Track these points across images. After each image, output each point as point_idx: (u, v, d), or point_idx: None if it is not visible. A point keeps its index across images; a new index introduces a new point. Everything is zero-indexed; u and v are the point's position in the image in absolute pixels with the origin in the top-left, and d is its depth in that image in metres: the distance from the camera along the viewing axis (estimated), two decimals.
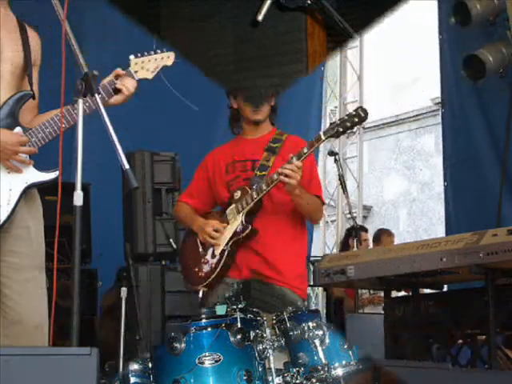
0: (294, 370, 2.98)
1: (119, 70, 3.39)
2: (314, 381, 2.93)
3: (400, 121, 16.92)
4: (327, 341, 3.04)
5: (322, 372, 2.94)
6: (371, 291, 7.27)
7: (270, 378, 2.94)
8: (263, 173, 3.92)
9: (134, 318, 5.48)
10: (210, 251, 3.96)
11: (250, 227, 3.88)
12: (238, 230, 3.90)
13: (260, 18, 4.75)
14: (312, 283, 5.69)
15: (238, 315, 2.99)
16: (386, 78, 16.55)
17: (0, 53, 3.30)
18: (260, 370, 2.95)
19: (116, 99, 3.37)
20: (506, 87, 7.92)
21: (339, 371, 2.99)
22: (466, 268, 4.79)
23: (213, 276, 3.91)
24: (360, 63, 10.15)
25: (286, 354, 3.11)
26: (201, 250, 3.99)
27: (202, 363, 2.88)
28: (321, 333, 3.05)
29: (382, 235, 8.05)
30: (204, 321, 3.04)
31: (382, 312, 5.90)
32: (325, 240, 10.28)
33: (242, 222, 3.90)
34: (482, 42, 7.93)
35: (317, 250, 10.64)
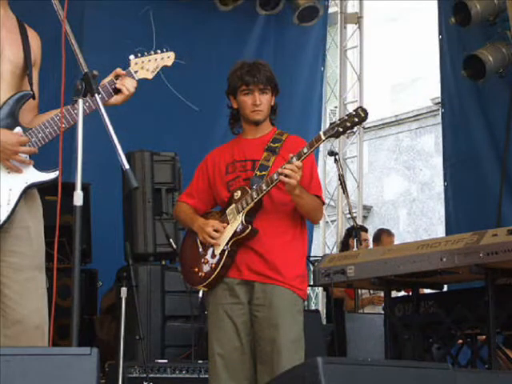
0: None
1: (119, 70, 3.39)
2: None
3: (400, 121, 16.90)
4: None
5: None
6: (371, 291, 7.27)
7: None
8: (263, 173, 3.92)
9: (134, 318, 5.48)
10: (209, 251, 3.96)
11: (250, 227, 3.88)
12: (237, 229, 3.90)
13: None
14: (312, 283, 5.69)
15: None
16: (385, 78, 16.55)
17: (0, 53, 3.30)
18: None
19: (116, 99, 3.37)
20: (506, 87, 7.93)
21: None
22: (466, 268, 4.79)
23: (213, 276, 3.91)
24: (360, 63, 10.15)
25: None
26: (201, 250, 3.99)
27: None
28: None
29: (382, 235, 8.05)
30: None
31: (382, 312, 5.90)
32: (325, 240, 10.27)
33: (242, 222, 3.89)
34: (481, 41, 7.95)
35: (317, 250, 10.64)
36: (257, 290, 3.88)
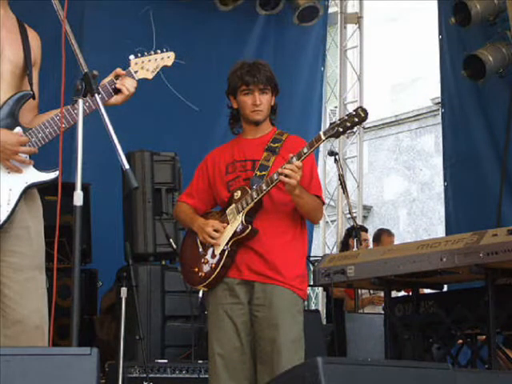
0: None
1: (119, 70, 3.39)
2: None
3: (400, 121, 16.91)
4: None
5: None
6: (371, 291, 7.28)
7: None
8: (263, 173, 3.92)
9: (134, 318, 5.48)
10: (209, 251, 3.96)
11: (250, 227, 3.88)
12: (237, 229, 3.90)
13: None
14: (312, 283, 5.69)
15: None
16: (385, 78, 16.55)
17: (0, 53, 3.30)
18: None
19: (116, 99, 3.37)
20: (506, 87, 7.93)
21: None
22: (466, 268, 4.79)
23: (213, 276, 3.91)
24: (360, 63, 10.15)
25: None
26: (201, 249, 3.99)
27: None
28: None
29: (382, 235, 8.05)
30: None
31: (382, 312, 5.90)
32: (325, 240, 10.27)
33: (242, 221, 3.89)
34: (481, 41, 7.96)
35: (317, 250, 10.65)
36: (257, 290, 3.88)
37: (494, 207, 7.79)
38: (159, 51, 3.55)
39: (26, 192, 3.29)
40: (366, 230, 8.08)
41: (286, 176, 3.73)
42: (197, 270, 3.97)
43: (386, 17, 16.40)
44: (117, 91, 3.35)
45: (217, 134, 7.61)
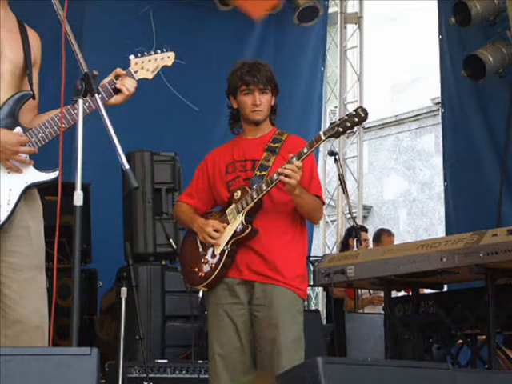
0: None
1: (119, 70, 3.39)
2: None
3: (400, 121, 16.90)
4: None
5: None
6: (371, 291, 7.28)
7: None
8: (263, 173, 3.92)
9: (134, 318, 5.47)
10: (209, 251, 3.96)
11: (250, 227, 3.88)
12: (237, 229, 3.90)
13: None
14: (312, 283, 5.69)
15: None
16: (385, 78, 16.55)
17: (0, 53, 3.30)
18: None
19: (116, 99, 3.37)
20: (506, 87, 7.94)
21: None
22: (466, 268, 4.79)
23: (213, 276, 3.91)
24: (360, 63, 10.16)
25: None
26: (201, 249, 3.99)
27: None
28: None
29: (382, 235, 8.05)
30: None
31: (382, 312, 5.90)
32: (325, 240, 10.27)
33: (242, 221, 3.90)
34: (481, 41, 7.96)
35: (317, 250, 10.65)
36: (257, 290, 3.88)
37: (493, 207, 7.80)
38: (159, 51, 3.55)
39: (26, 192, 3.29)
40: (366, 230, 8.08)
41: (286, 176, 3.73)
42: (197, 269, 3.97)
43: (386, 17, 16.40)
44: (117, 91, 3.35)
45: (217, 134, 7.61)
